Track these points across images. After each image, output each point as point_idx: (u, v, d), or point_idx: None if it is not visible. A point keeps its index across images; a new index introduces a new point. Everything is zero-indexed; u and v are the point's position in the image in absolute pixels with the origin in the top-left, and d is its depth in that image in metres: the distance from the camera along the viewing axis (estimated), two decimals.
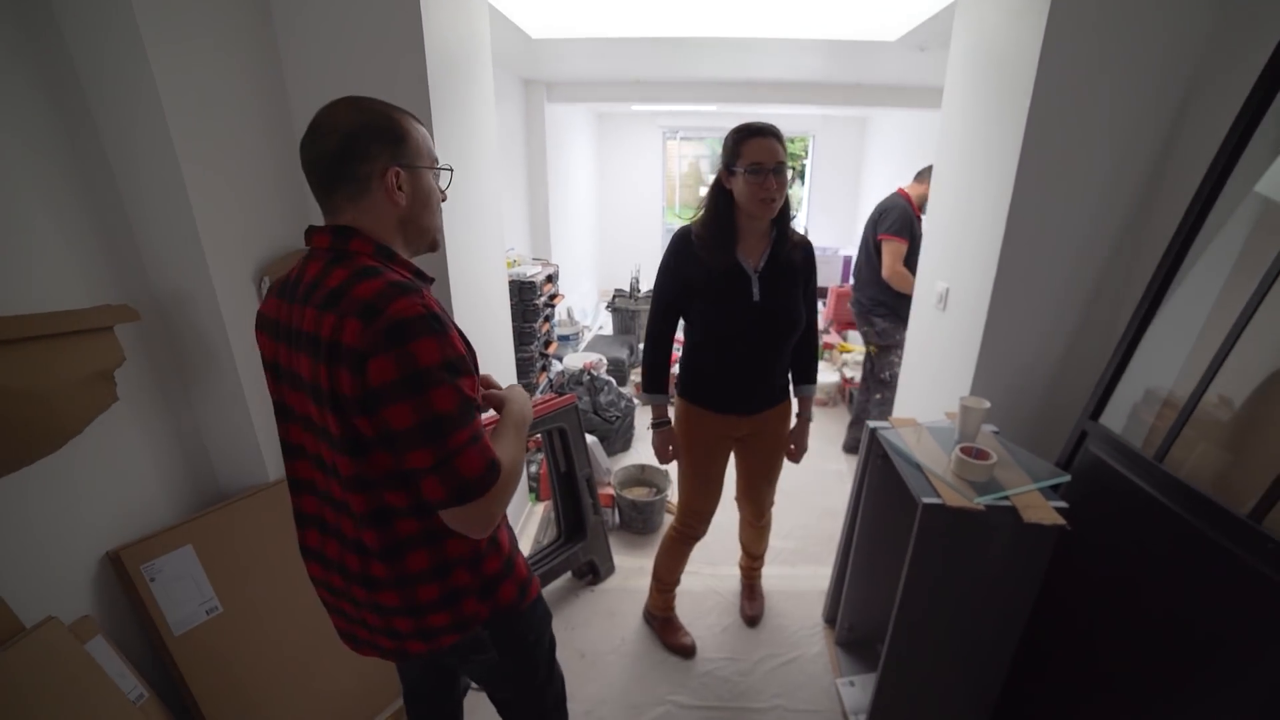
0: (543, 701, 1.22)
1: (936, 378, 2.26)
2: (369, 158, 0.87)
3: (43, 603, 1.22)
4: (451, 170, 1.02)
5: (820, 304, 5.92)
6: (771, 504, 2.17)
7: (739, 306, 1.70)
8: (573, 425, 2.33)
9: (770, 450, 1.98)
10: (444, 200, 1.01)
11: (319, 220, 1.00)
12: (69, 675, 1.17)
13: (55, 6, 1.24)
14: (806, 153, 7.44)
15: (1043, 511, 1.39)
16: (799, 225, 1.90)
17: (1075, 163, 1.73)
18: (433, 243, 1.01)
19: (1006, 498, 1.45)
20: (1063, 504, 1.43)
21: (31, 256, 1.21)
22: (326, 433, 0.88)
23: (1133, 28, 1.60)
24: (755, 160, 1.57)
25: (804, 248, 1.77)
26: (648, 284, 6.45)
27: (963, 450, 1.53)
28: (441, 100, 1.81)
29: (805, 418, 1.98)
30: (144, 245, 1.42)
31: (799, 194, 7.55)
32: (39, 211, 1.22)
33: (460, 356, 0.86)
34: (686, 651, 2.16)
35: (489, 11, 2.71)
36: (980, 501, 1.42)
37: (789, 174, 1.62)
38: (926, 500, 1.43)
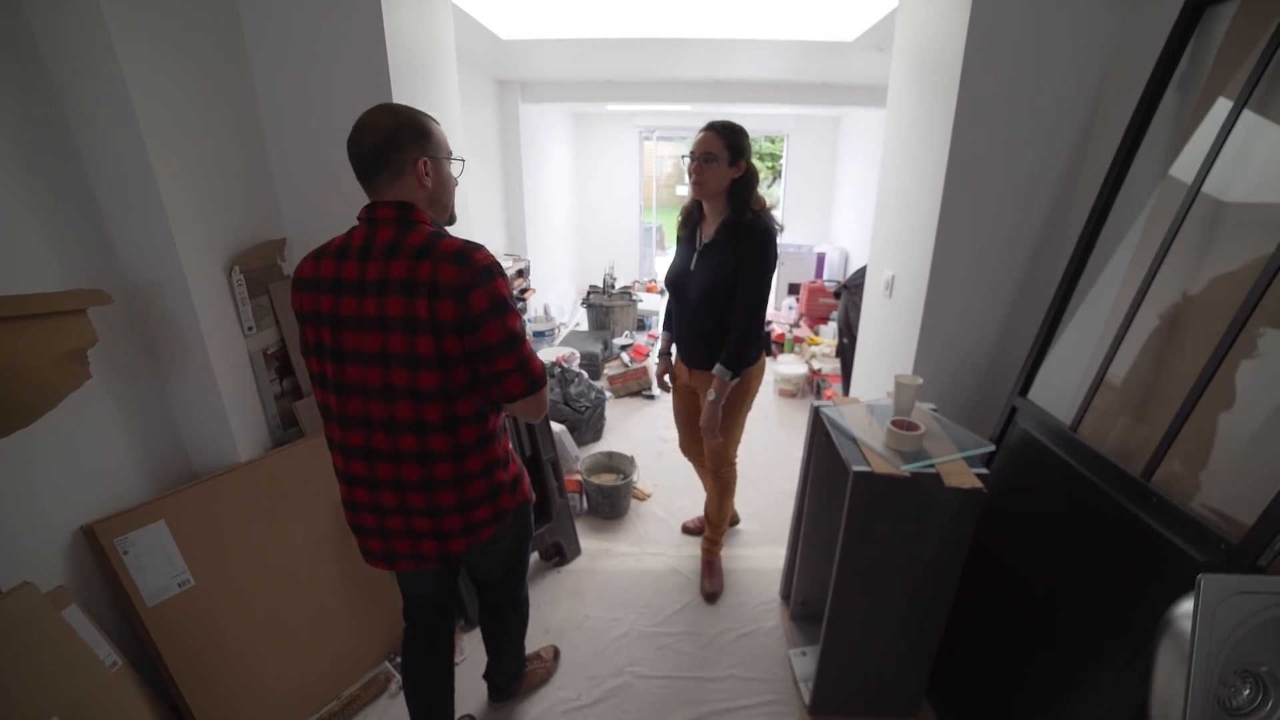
0: (520, 573, 1.63)
1: (885, 361, 2.38)
2: (403, 150, 1.14)
3: (17, 573, 1.29)
4: (464, 161, 1.32)
5: (794, 299, 6.04)
6: (727, 461, 2.27)
7: (682, 271, 2.06)
8: None
9: (700, 410, 2.12)
10: (456, 185, 1.29)
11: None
12: (43, 639, 1.24)
13: None
14: (782, 152, 7.56)
15: (963, 477, 1.50)
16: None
17: (1001, 154, 1.85)
18: (451, 217, 1.30)
19: (932, 465, 1.55)
20: (983, 470, 1.54)
21: (7, 244, 1.28)
22: (413, 357, 1.12)
23: (1048, 27, 1.73)
24: (690, 150, 1.90)
25: (753, 231, 1.87)
26: (623, 281, 6.56)
27: (894, 423, 1.64)
28: (405, 99, 1.90)
29: (708, 400, 2.01)
30: (117, 236, 1.49)
31: (775, 192, 7.67)
32: (13, 201, 1.29)
33: (513, 294, 1.17)
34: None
35: (455, 13, 2.80)
36: (906, 469, 1.53)
37: (717, 166, 1.85)
38: (856, 468, 1.53)
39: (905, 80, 2.20)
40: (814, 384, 4.39)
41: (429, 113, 1.24)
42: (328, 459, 1.95)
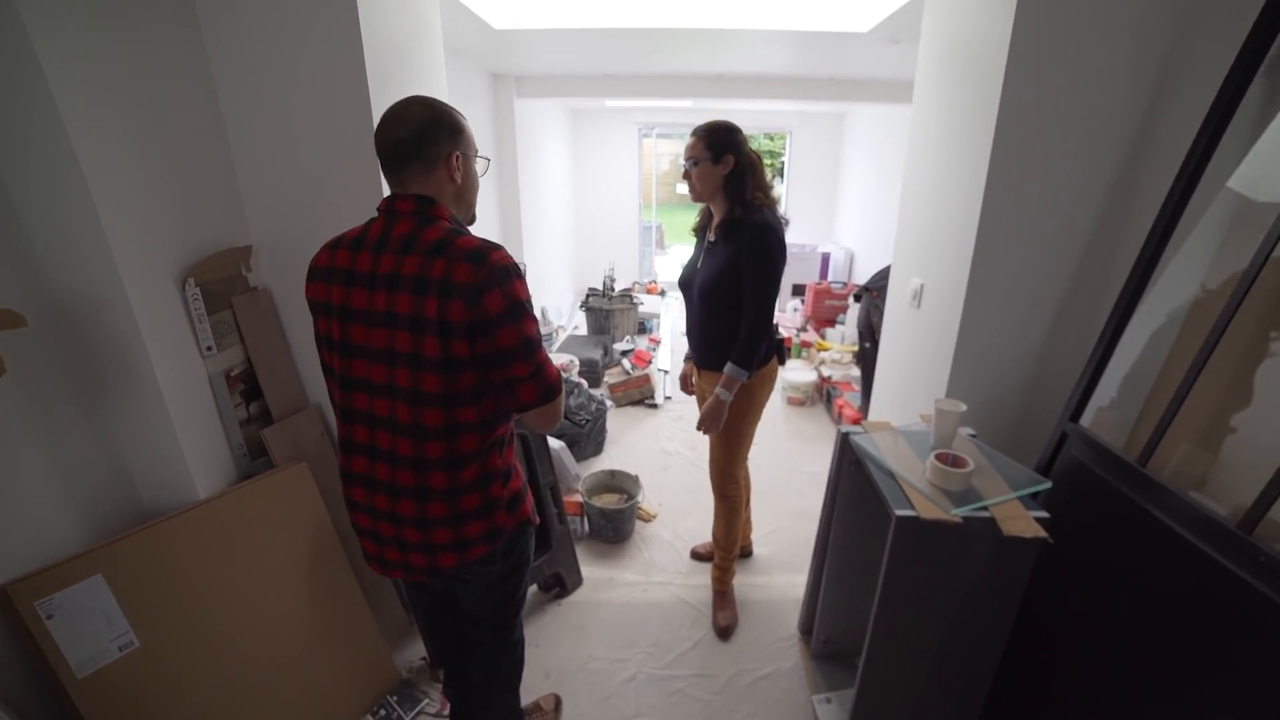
0: (515, 616, 1.46)
1: (911, 378, 2.19)
2: (437, 143, 1.11)
3: None
4: (489, 160, 1.26)
5: (799, 301, 5.86)
6: (731, 478, 2.16)
7: (690, 270, 2.07)
8: (534, 432, 2.22)
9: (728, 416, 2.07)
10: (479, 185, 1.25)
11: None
12: None
13: None
14: (785, 149, 7.37)
15: (1023, 523, 1.31)
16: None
17: (1049, 153, 1.66)
18: (473, 216, 1.25)
19: (985, 508, 1.37)
20: (1043, 514, 1.35)
21: None
22: (418, 358, 1.06)
23: (1103, 13, 1.54)
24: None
25: (750, 227, 1.84)
26: (622, 282, 6.37)
27: (938, 457, 1.45)
28: (385, 92, 1.69)
29: (715, 395, 1.96)
30: (41, 245, 1.28)
31: (777, 190, 7.47)
32: None
33: (530, 297, 1.10)
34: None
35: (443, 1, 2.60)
36: (957, 513, 1.34)
37: (703, 167, 1.87)
38: (900, 513, 1.34)
39: (935, 73, 2.00)
40: (824, 391, 4.20)
41: None
42: (302, 488, 1.81)
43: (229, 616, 1.55)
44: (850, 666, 2.02)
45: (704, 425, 2.00)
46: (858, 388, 3.93)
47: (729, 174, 1.86)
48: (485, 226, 4.40)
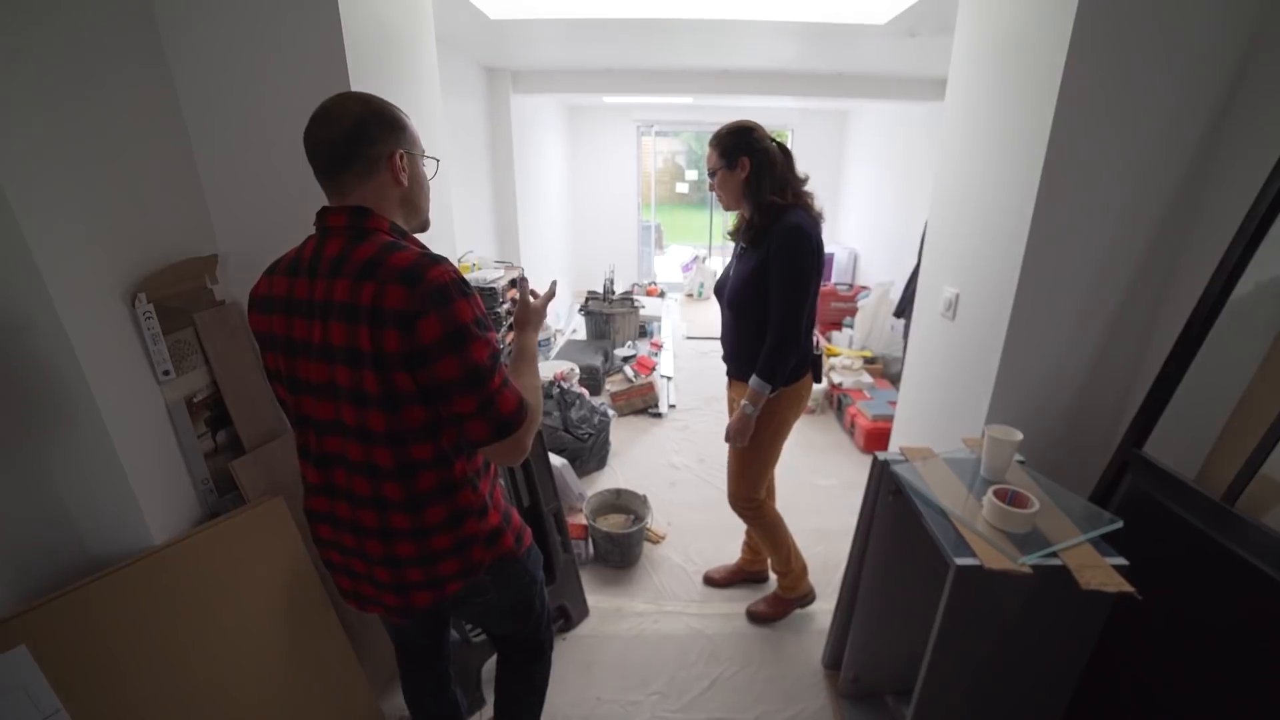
0: (538, 631, 1.39)
1: (945, 396, 2.01)
2: (376, 141, 0.98)
3: None
4: (439, 161, 1.14)
5: None
6: (741, 497, 2.06)
7: (723, 277, 1.97)
8: (536, 453, 2.04)
9: (759, 434, 1.98)
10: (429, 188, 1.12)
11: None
12: None
13: None
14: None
15: (1103, 574, 1.14)
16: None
17: (1110, 153, 1.50)
18: (425, 222, 1.13)
19: (1055, 554, 1.19)
20: (1122, 561, 1.18)
21: None
22: (359, 393, 0.96)
23: (1176, 2, 1.37)
24: None
25: (775, 230, 1.73)
26: (622, 285, 6.19)
27: (996, 494, 1.28)
28: (370, 88, 1.50)
29: (740, 407, 1.86)
30: None
31: None
32: None
33: (484, 314, 0.98)
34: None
35: None
36: (1025, 562, 1.16)
37: (720, 176, 1.79)
38: (961, 562, 1.17)
39: (975, 67, 1.83)
40: (834, 400, 4.03)
41: (400, 105, 1.04)
42: (278, 525, 1.62)
43: (192, 675, 1.36)
44: (882, 706, 1.85)
45: (729, 438, 1.91)
46: (871, 396, 3.76)
47: (748, 177, 1.76)
48: (479, 228, 4.22)
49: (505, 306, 3.17)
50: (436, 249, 1.84)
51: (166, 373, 1.42)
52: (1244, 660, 1.20)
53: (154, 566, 1.34)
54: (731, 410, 2.08)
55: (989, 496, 1.28)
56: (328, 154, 0.97)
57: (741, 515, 2.11)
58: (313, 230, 1.03)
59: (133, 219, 1.34)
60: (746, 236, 1.82)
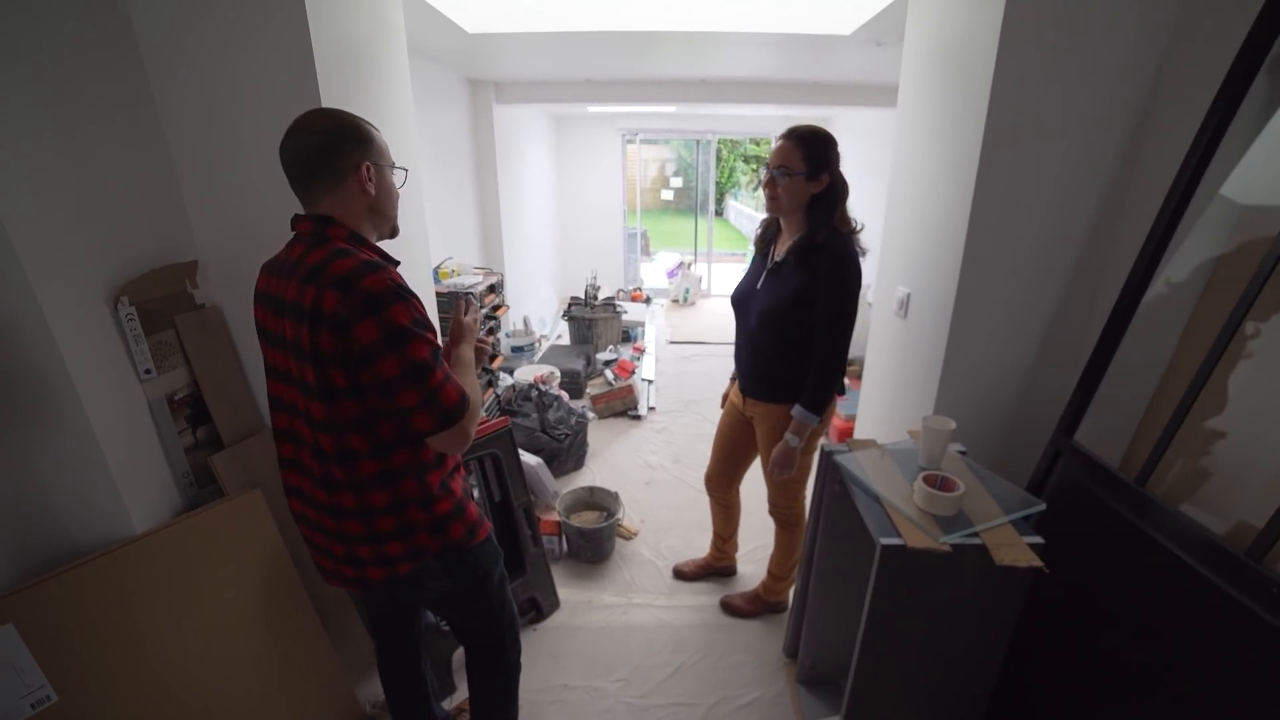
0: (497, 626, 1.41)
1: (899, 391, 2.11)
2: (344, 154, 1.07)
3: None
4: (406, 171, 1.23)
5: None
6: (790, 513, 2.09)
7: (749, 288, 1.87)
8: (507, 450, 2.12)
9: (749, 442, 2.06)
10: (398, 196, 1.21)
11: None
12: None
13: None
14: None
15: (1017, 551, 1.23)
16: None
17: (1041, 158, 1.59)
18: (394, 229, 1.22)
19: (976, 534, 1.28)
20: (1038, 540, 1.27)
21: None
22: (304, 384, 1.07)
23: (1097, 13, 1.47)
24: (766, 162, 1.75)
25: (828, 256, 1.65)
26: (607, 290, 6.27)
27: (926, 479, 1.37)
28: (341, 98, 1.60)
29: (785, 440, 1.81)
30: None
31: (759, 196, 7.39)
32: None
33: (424, 316, 1.07)
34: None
35: (413, 2, 2.51)
36: (946, 541, 1.25)
37: (794, 181, 1.67)
38: (885, 541, 1.25)
39: (921, 75, 1.93)
40: None
41: (369, 116, 1.14)
42: (255, 517, 1.70)
43: (170, 658, 1.43)
44: (838, 692, 1.92)
45: (775, 472, 1.86)
46: (845, 396, 3.85)
47: (820, 194, 1.68)
48: (464, 235, 4.31)
49: (483, 311, 3.23)
50: (411, 256, 1.97)
51: (148, 371, 1.50)
52: (1155, 633, 1.29)
53: (135, 553, 1.41)
54: (730, 414, 2.09)
55: (918, 481, 1.37)
56: (299, 166, 1.07)
57: (780, 522, 2.11)
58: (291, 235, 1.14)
59: (116, 228, 1.43)
60: (796, 255, 1.71)
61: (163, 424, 1.54)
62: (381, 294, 1.00)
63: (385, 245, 1.19)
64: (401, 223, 1.26)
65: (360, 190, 1.09)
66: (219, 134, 1.57)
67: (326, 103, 1.52)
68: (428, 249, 2.25)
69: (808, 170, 1.65)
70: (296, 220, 1.11)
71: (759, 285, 1.83)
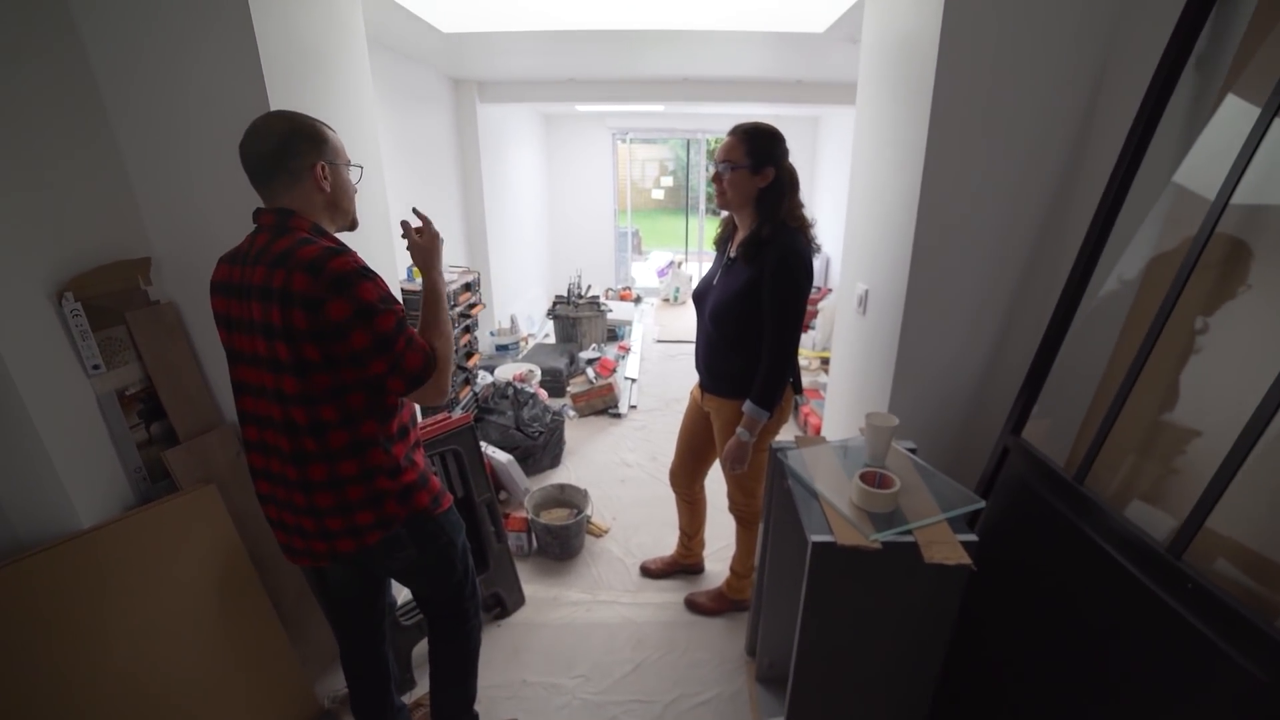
0: (460, 595, 1.50)
1: (860, 388, 2.11)
2: (299, 155, 1.15)
3: None
4: (362, 168, 1.30)
5: None
6: (749, 510, 2.11)
7: (706, 284, 1.91)
8: (468, 447, 2.13)
9: (711, 437, 2.06)
10: (355, 192, 1.28)
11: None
12: None
13: None
14: None
15: (947, 549, 1.23)
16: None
17: (986, 156, 1.60)
18: (352, 222, 1.30)
19: (909, 531, 1.28)
20: (972, 538, 1.27)
21: None
22: (275, 361, 1.14)
23: (1039, 7, 1.47)
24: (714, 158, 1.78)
25: (775, 250, 1.67)
26: (597, 288, 6.28)
27: (863, 477, 1.37)
28: (292, 96, 1.60)
29: (736, 435, 1.83)
30: None
31: None
32: None
33: (388, 291, 1.16)
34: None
35: (380, 4, 2.51)
36: (877, 539, 1.25)
37: (739, 174, 1.68)
38: (815, 538, 1.26)
39: (875, 72, 1.94)
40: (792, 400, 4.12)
41: (323, 115, 1.20)
42: (209, 512, 1.71)
43: (119, 654, 1.44)
44: None
45: (728, 466, 1.89)
46: (824, 395, 3.86)
47: (766, 187, 1.70)
48: (447, 234, 4.29)
49: (458, 310, 3.24)
50: (378, 251, 1.96)
51: (96, 367, 1.51)
52: (1091, 630, 1.29)
53: (81, 548, 1.43)
54: (692, 409, 2.12)
55: (855, 479, 1.37)
56: (257, 166, 1.15)
57: (740, 520, 2.14)
58: (252, 228, 1.20)
59: (61, 227, 1.44)
60: (743, 249, 1.73)
61: (112, 419, 1.55)
62: (349, 274, 1.09)
63: (345, 238, 1.25)
64: (361, 217, 1.32)
65: (316, 188, 1.18)
66: (170, 135, 1.57)
67: (275, 102, 1.53)
68: (392, 246, 2.24)
69: (751, 164, 1.67)
70: (259, 213, 1.18)
71: (714, 281, 1.86)
